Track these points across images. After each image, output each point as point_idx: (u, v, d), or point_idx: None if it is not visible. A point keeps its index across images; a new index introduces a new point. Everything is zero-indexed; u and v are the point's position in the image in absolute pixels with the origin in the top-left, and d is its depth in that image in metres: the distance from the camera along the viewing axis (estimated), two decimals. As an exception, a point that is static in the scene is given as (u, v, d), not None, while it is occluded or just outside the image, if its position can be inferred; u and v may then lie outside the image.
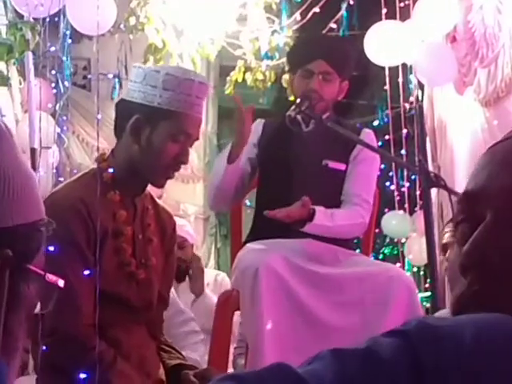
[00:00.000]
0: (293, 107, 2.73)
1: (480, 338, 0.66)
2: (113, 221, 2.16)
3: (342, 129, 2.77)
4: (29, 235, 0.80)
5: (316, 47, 2.92)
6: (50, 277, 0.82)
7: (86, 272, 2.06)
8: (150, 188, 2.34)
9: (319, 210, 2.72)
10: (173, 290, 2.60)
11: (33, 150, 3.25)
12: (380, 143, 4.19)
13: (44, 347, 2.02)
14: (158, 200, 2.39)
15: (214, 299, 3.69)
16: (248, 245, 2.84)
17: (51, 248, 1.70)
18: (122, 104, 2.22)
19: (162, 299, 2.32)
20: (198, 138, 2.23)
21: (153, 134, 2.15)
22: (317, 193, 2.80)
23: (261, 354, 2.55)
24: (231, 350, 3.20)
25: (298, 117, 2.73)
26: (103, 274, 2.08)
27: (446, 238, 3.07)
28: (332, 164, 2.87)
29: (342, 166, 2.88)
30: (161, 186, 2.26)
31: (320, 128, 2.75)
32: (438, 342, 0.66)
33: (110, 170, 2.18)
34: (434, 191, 4.42)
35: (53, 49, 3.63)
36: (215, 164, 2.88)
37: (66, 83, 3.93)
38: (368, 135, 2.90)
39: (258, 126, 2.96)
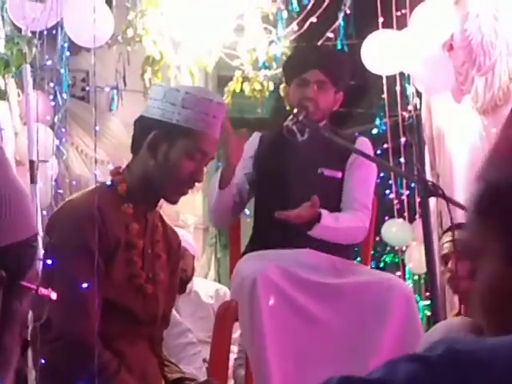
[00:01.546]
0: (290, 117, 2.74)
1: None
2: (125, 233, 2.17)
3: (337, 138, 2.78)
4: (21, 253, 0.80)
5: (311, 57, 2.95)
6: (43, 290, 0.81)
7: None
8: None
9: (325, 212, 2.73)
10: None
11: (31, 163, 3.25)
12: (379, 152, 4.19)
13: (44, 358, 2.01)
14: (165, 218, 2.41)
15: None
16: (246, 256, 2.84)
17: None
18: (141, 120, 2.25)
19: (164, 318, 2.33)
20: (213, 158, 2.27)
21: (170, 150, 2.18)
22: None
23: (263, 365, 2.54)
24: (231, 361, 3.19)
25: (294, 127, 2.74)
26: (113, 284, 2.10)
27: (446, 248, 3.05)
28: (328, 172, 2.87)
29: (338, 174, 2.89)
30: (174, 202, 2.27)
31: (315, 136, 2.76)
32: (465, 371, 0.58)
33: (124, 183, 2.21)
34: (433, 199, 4.42)
35: (49, 62, 3.63)
36: (211, 186, 2.89)
37: (65, 95, 3.94)
38: (364, 143, 2.90)
39: (254, 140, 2.98)
